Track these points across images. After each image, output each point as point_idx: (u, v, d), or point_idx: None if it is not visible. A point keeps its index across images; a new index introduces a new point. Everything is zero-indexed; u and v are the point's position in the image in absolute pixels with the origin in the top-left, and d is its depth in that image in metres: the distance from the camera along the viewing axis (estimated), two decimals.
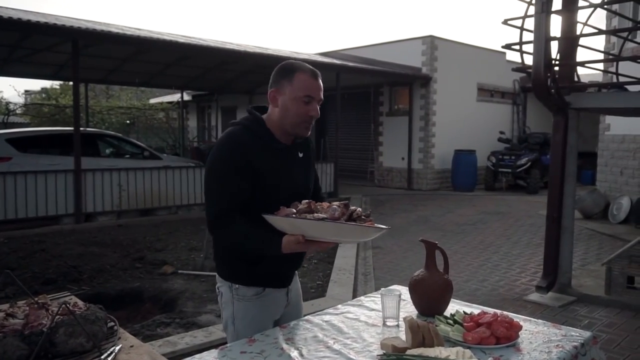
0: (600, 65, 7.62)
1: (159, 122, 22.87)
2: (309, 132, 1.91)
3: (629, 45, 7.99)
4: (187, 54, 12.22)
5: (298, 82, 1.81)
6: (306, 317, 2.05)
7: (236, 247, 1.83)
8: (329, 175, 12.00)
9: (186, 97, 20.19)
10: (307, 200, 1.74)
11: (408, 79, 13.73)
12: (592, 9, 5.62)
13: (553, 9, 4.67)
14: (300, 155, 1.96)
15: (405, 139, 14.02)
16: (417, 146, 13.95)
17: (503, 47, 4.99)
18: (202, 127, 22.50)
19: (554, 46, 4.97)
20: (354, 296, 4.81)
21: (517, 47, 4.99)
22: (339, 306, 2.20)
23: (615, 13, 7.50)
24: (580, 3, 5.08)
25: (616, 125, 9.39)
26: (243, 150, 1.77)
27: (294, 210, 1.69)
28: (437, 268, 2.16)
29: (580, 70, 9.55)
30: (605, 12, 8.91)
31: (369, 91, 14.76)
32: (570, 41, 4.82)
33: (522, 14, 4.89)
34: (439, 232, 8.13)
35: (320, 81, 1.87)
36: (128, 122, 21.97)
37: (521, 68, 4.88)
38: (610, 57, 6.85)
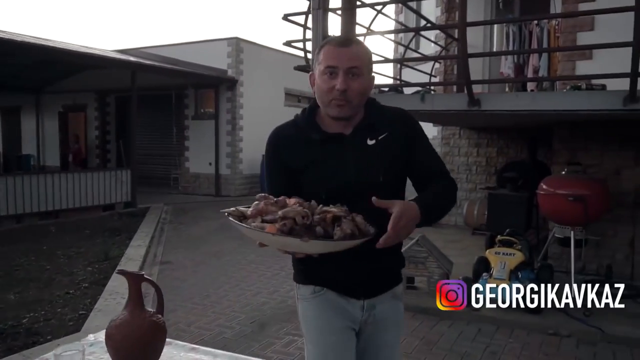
0: (391, 72, 7.99)
1: None
2: (346, 111, 1.57)
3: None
4: None
5: (322, 56, 1.59)
6: None
7: None
8: (125, 183, 10.86)
9: None
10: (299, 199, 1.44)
11: (213, 81, 13.18)
12: (378, 14, 5.70)
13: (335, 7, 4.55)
14: (371, 142, 1.61)
15: (212, 144, 13.42)
16: (225, 151, 13.46)
17: (284, 44, 4.74)
18: None
19: None
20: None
21: (301, 44, 4.78)
22: None
23: (396, 21, 7.88)
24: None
25: None
26: (275, 147, 1.67)
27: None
28: (145, 307, 1.62)
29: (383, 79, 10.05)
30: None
31: (171, 93, 13.85)
32: None
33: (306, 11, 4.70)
34: (239, 240, 7.68)
35: (354, 48, 1.57)
36: None
37: (302, 67, 4.66)
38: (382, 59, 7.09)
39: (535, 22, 6.29)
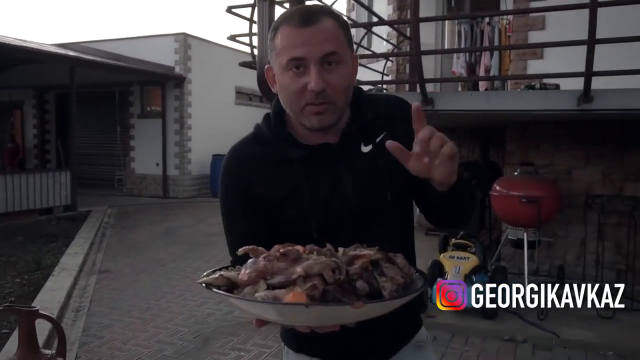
0: None
1: None
2: (329, 118, 1.11)
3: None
4: None
5: (280, 42, 1.09)
6: None
7: None
8: (64, 185, 10.23)
9: None
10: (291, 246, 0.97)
11: (160, 78, 12.66)
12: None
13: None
14: (366, 149, 1.18)
15: (159, 143, 12.89)
16: (173, 151, 12.96)
17: (228, 38, 4.45)
18: None
19: None
20: (50, 347, 3.70)
21: (247, 39, 4.51)
22: None
23: (348, 17, 7.71)
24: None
25: None
26: (237, 177, 1.18)
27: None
28: (40, 348, 1.33)
29: None
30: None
31: (115, 90, 13.21)
32: None
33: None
34: (185, 245, 7.35)
35: (324, 24, 1.08)
36: None
37: (248, 63, 4.39)
38: None
39: (487, 21, 6.24)
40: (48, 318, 1.36)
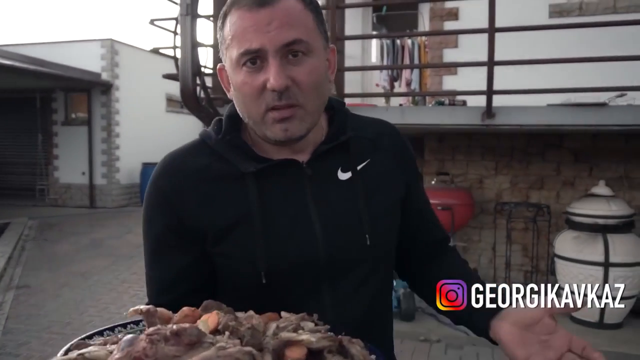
0: None
1: None
2: (297, 127, 0.84)
3: None
4: None
5: (231, 32, 0.83)
6: None
7: None
8: None
9: None
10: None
11: (85, 84, 12.25)
12: None
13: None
14: (345, 176, 0.92)
15: (85, 152, 12.48)
16: (100, 159, 12.58)
17: (151, 51, 4.46)
18: None
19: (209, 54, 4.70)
20: None
21: (171, 51, 4.53)
22: None
23: None
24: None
25: None
26: (166, 194, 0.88)
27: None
28: None
29: None
30: None
31: (36, 96, 12.66)
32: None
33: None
34: (111, 257, 7.19)
35: (284, 3, 0.82)
36: None
37: (171, 75, 4.42)
38: None
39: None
40: None
